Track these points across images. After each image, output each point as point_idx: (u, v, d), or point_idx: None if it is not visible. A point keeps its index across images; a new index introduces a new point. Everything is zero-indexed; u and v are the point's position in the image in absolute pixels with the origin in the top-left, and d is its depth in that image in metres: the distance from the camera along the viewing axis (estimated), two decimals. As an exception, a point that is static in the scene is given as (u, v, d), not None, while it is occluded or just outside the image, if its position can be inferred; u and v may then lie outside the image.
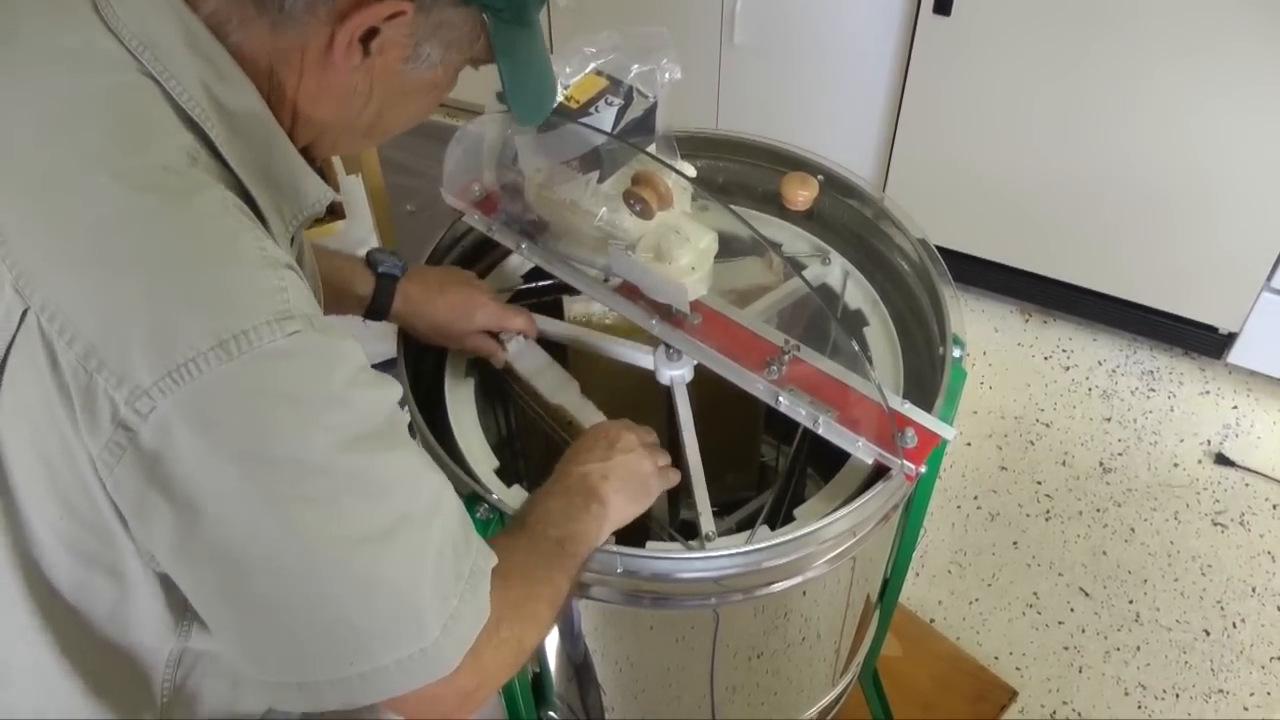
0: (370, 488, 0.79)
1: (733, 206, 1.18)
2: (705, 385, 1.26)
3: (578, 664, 1.37)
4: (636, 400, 1.41)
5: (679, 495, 1.25)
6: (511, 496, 1.18)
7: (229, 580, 0.78)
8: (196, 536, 0.76)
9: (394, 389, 0.83)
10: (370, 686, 0.82)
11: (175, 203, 0.75)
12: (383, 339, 1.61)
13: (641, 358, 1.30)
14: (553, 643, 1.35)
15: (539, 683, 1.45)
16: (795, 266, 1.36)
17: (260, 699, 1.03)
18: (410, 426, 2.01)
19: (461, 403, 1.29)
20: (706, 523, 1.16)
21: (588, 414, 1.28)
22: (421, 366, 1.33)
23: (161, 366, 0.71)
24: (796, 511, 1.16)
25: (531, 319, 1.33)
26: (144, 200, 0.74)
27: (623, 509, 1.12)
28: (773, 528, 1.13)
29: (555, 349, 1.38)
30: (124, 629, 0.88)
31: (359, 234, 1.58)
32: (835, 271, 1.39)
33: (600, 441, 1.17)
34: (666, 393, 1.28)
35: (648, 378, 1.30)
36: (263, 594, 0.78)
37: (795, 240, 1.43)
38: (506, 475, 1.22)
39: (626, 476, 1.13)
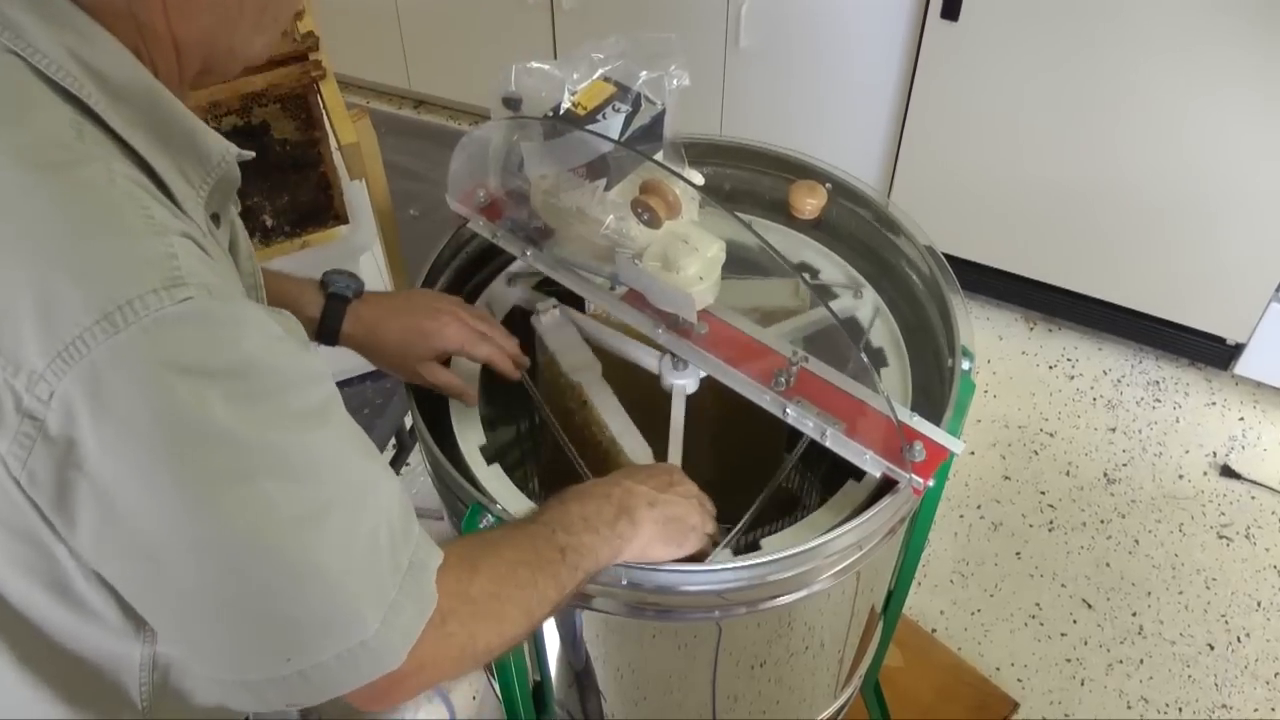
0: (289, 467, 0.75)
1: (742, 217, 1.17)
2: (726, 400, 1.25)
3: (578, 671, 1.36)
4: (646, 403, 1.40)
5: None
6: (513, 502, 1.17)
7: (153, 573, 0.75)
8: (116, 526, 0.72)
9: (315, 363, 0.79)
10: (313, 685, 0.79)
11: (57, 178, 0.71)
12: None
13: (647, 359, 1.29)
14: (554, 649, 1.34)
15: (540, 690, 1.44)
16: (822, 294, 1.35)
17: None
18: (410, 432, 2.00)
19: (465, 410, 1.28)
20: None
21: (605, 400, 1.26)
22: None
23: (51, 347, 0.68)
24: (791, 531, 1.15)
25: (498, 345, 1.26)
26: (25, 179, 0.70)
27: (652, 544, 1.06)
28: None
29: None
30: (82, 639, 0.85)
31: (362, 239, 1.57)
32: (852, 292, 1.38)
33: (663, 475, 1.12)
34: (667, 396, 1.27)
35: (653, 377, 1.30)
36: (189, 586, 0.74)
37: (807, 251, 1.42)
38: (508, 466, 1.22)
39: (673, 516, 1.08)
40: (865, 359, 1.12)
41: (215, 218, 0.87)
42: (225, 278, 0.76)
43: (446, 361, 1.27)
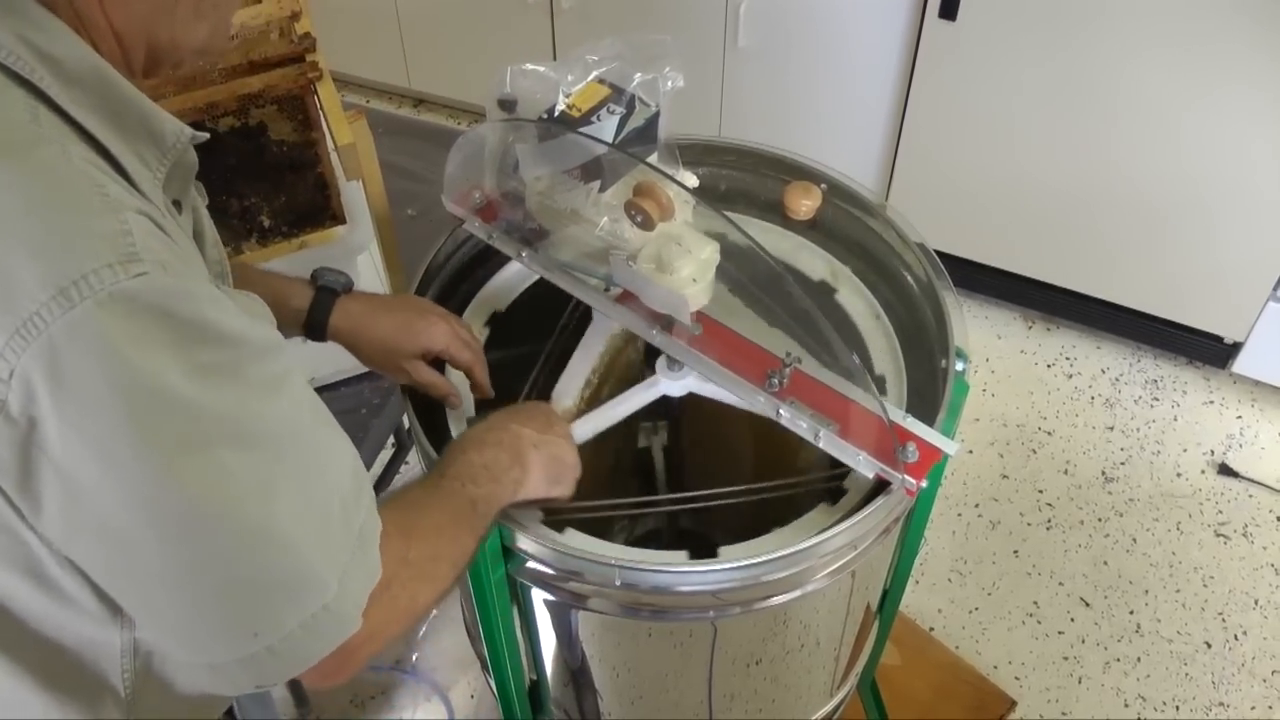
0: (246, 436, 0.76)
1: (736, 217, 1.17)
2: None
3: (574, 670, 1.36)
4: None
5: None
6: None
7: (118, 551, 0.76)
8: (80, 505, 0.73)
9: (271, 334, 0.80)
10: (281, 660, 0.80)
11: (12, 159, 0.71)
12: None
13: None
14: (550, 649, 1.34)
15: (536, 689, 1.44)
16: (803, 284, 1.35)
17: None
18: (409, 432, 2.00)
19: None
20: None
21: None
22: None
23: (9, 325, 0.68)
24: (786, 531, 1.15)
25: (481, 359, 1.28)
26: None
27: (538, 486, 1.10)
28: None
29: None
30: (60, 626, 0.85)
31: (359, 239, 1.57)
32: (848, 292, 1.38)
33: (541, 416, 1.16)
34: (665, 402, 1.27)
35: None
36: (153, 562, 0.76)
37: (802, 252, 1.42)
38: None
39: (554, 456, 1.13)
40: (857, 359, 1.13)
41: (177, 205, 0.87)
42: (185, 258, 0.77)
43: (439, 366, 1.27)
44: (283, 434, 0.79)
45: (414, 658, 2.25)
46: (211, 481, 0.74)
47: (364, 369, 1.57)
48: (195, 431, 0.73)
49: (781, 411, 1.16)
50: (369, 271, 1.68)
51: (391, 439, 2.10)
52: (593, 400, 1.28)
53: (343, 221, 1.57)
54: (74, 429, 0.70)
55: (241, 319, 0.77)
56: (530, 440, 1.11)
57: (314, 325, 1.21)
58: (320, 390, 1.58)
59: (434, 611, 2.29)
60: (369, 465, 1.61)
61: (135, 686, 0.92)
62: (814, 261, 1.42)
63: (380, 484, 2.04)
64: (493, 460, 1.06)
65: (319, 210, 1.54)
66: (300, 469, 0.79)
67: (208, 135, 0.90)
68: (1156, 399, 2.72)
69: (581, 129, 1.14)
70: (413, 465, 2.40)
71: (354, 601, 0.83)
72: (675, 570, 1.10)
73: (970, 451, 2.61)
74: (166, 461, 0.72)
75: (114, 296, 0.69)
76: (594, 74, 1.18)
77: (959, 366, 1.23)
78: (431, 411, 1.27)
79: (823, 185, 1.45)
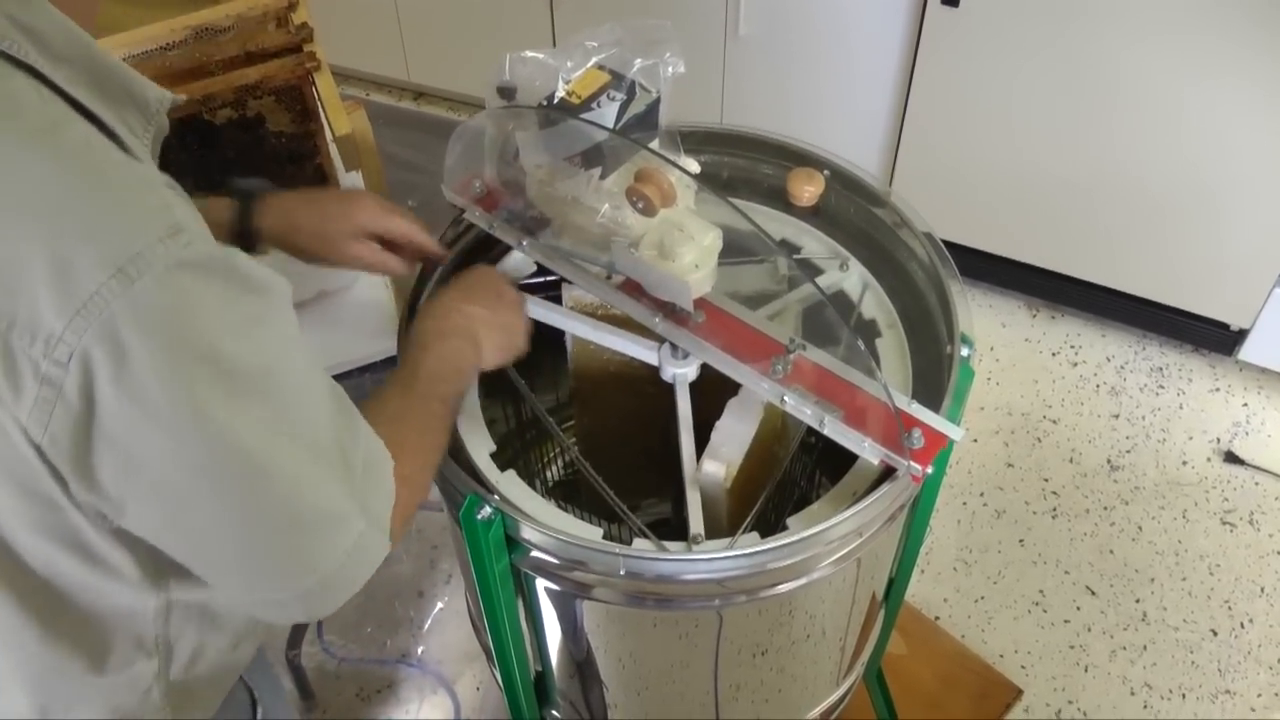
0: (280, 383, 0.80)
1: (739, 203, 1.16)
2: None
3: (580, 662, 1.36)
4: (637, 391, 1.40)
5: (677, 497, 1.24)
6: (533, 507, 1.18)
7: (179, 512, 0.79)
8: (139, 474, 0.76)
9: (285, 286, 0.83)
10: (332, 590, 0.86)
11: (41, 143, 0.72)
12: (377, 337, 1.60)
13: (645, 353, 1.29)
14: (555, 640, 1.34)
15: (541, 681, 1.44)
16: (808, 270, 1.34)
17: (250, 644, 1.08)
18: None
19: (470, 417, 1.28)
20: (696, 524, 1.14)
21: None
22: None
23: (69, 308, 0.70)
24: (792, 519, 1.15)
25: (422, 230, 1.29)
26: (11, 148, 0.72)
27: (491, 359, 1.17)
28: (764, 534, 1.12)
29: (554, 337, 1.37)
30: (100, 594, 0.89)
31: (360, 229, 1.57)
32: (853, 277, 1.37)
33: (490, 289, 1.21)
34: (670, 390, 1.27)
35: (649, 371, 1.29)
36: (215, 517, 0.80)
37: (805, 238, 1.42)
38: (505, 460, 1.22)
39: (504, 327, 1.18)
40: (861, 345, 1.12)
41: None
42: (200, 220, 0.80)
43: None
44: (304, 378, 0.83)
45: (419, 651, 2.25)
46: (260, 431, 0.78)
47: (366, 360, 1.57)
48: (244, 386, 0.77)
49: (786, 398, 1.16)
50: (370, 263, 1.67)
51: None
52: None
53: (343, 212, 1.56)
54: (134, 402, 0.73)
55: (265, 272, 0.80)
56: (482, 319, 1.16)
57: (244, 234, 1.21)
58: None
59: (439, 605, 2.30)
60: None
61: (163, 653, 0.97)
62: (817, 248, 1.41)
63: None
64: (455, 352, 1.12)
65: (319, 202, 1.53)
66: (317, 408, 0.84)
67: (184, 98, 0.91)
68: (1162, 387, 2.71)
69: (582, 115, 1.13)
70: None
71: (382, 526, 0.89)
72: (680, 559, 1.09)
73: (975, 440, 2.60)
74: (223, 419, 0.76)
75: (170, 269, 0.72)
76: (593, 60, 1.17)
77: (964, 352, 1.22)
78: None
79: (825, 172, 1.44)
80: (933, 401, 1.17)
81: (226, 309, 0.76)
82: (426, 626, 2.28)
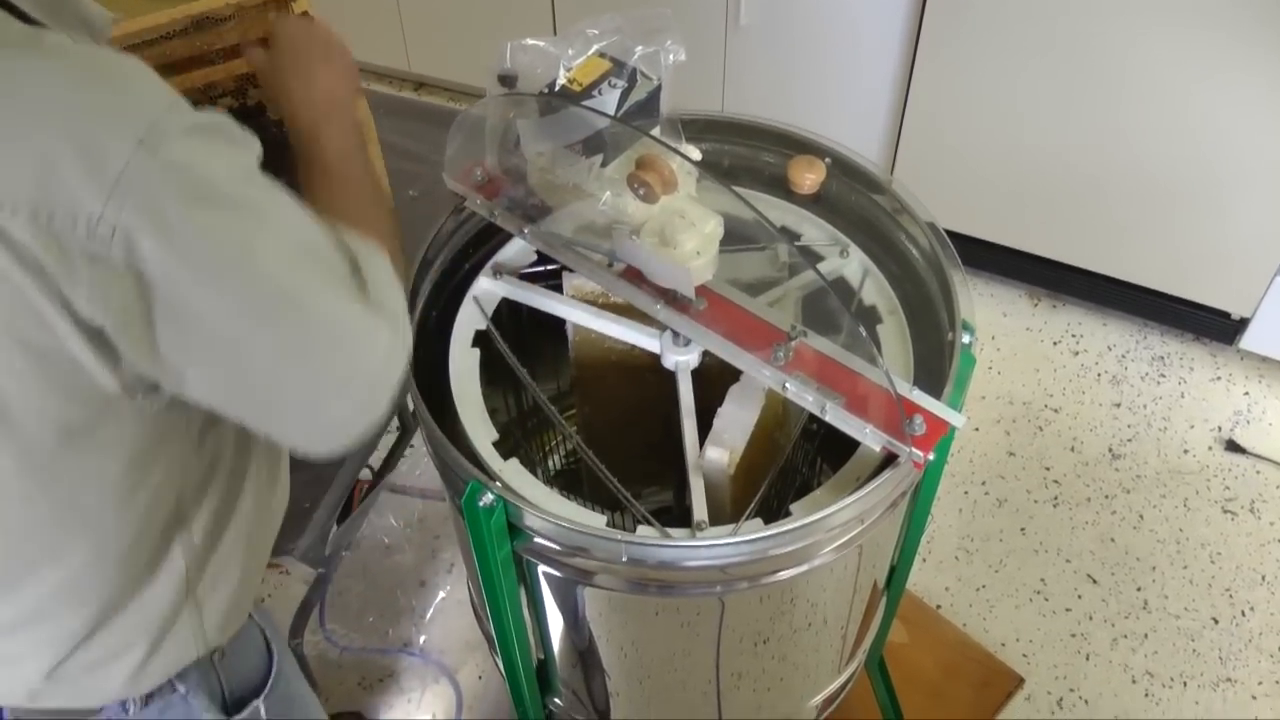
0: (281, 218, 0.86)
1: (740, 191, 1.16)
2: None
3: (582, 650, 1.36)
4: (639, 379, 1.40)
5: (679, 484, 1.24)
6: (514, 478, 1.18)
7: (234, 360, 0.85)
8: (193, 333, 0.82)
9: (255, 139, 0.88)
10: (379, 389, 0.91)
11: (29, 51, 0.78)
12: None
13: (647, 341, 1.29)
14: (557, 629, 1.34)
15: (544, 669, 1.44)
16: (809, 257, 1.34)
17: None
18: (412, 415, 2.00)
19: (465, 375, 1.28)
20: (699, 511, 1.14)
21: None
22: (425, 352, 1.32)
23: (104, 187, 0.75)
24: (794, 506, 1.15)
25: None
26: (6, 58, 0.77)
27: (355, 98, 1.20)
28: (767, 520, 1.12)
29: (555, 325, 1.38)
30: (147, 471, 0.94)
31: (362, 218, 1.56)
32: (854, 264, 1.37)
33: (321, 42, 1.20)
34: (671, 378, 1.27)
35: (651, 359, 1.29)
36: (270, 355, 0.86)
37: (806, 226, 1.42)
38: (507, 449, 1.22)
39: (344, 69, 1.19)
40: (863, 330, 1.12)
41: None
42: None
43: None
44: (298, 213, 0.89)
45: (421, 640, 2.25)
46: (285, 264, 0.84)
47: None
48: (263, 227, 0.84)
49: (787, 385, 1.16)
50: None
51: (395, 421, 2.09)
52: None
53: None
54: (181, 262, 0.78)
55: (238, 124, 0.86)
56: (333, 77, 1.17)
57: None
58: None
59: (441, 594, 2.30)
60: (372, 448, 1.61)
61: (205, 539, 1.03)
62: (818, 235, 1.41)
63: (384, 470, 2.04)
64: (340, 125, 1.14)
65: (320, 191, 1.53)
66: (317, 234, 0.90)
67: (121, 16, 0.96)
68: (1163, 375, 2.71)
69: (583, 103, 1.13)
70: (417, 448, 2.40)
71: (400, 312, 0.95)
72: (683, 545, 1.10)
73: (976, 429, 2.60)
74: (256, 259, 0.82)
75: (181, 134, 0.78)
76: (594, 48, 1.18)
77: (965, 339, 1.22)
78: (439, 392, 1.27)
79: (826, 159, 1.44)
80: (934, 389, 1.17)
81: (231, 163, 0.83)
82: (429, 616, 2.29)
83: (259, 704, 1.19)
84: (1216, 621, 2.25)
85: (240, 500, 1.06)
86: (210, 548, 1.04)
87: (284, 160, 1.46)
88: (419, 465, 2.50)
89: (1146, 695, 2.14)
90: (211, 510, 1.03)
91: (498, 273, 1.37)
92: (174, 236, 0.77)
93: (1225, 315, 2.65)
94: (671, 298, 1.22)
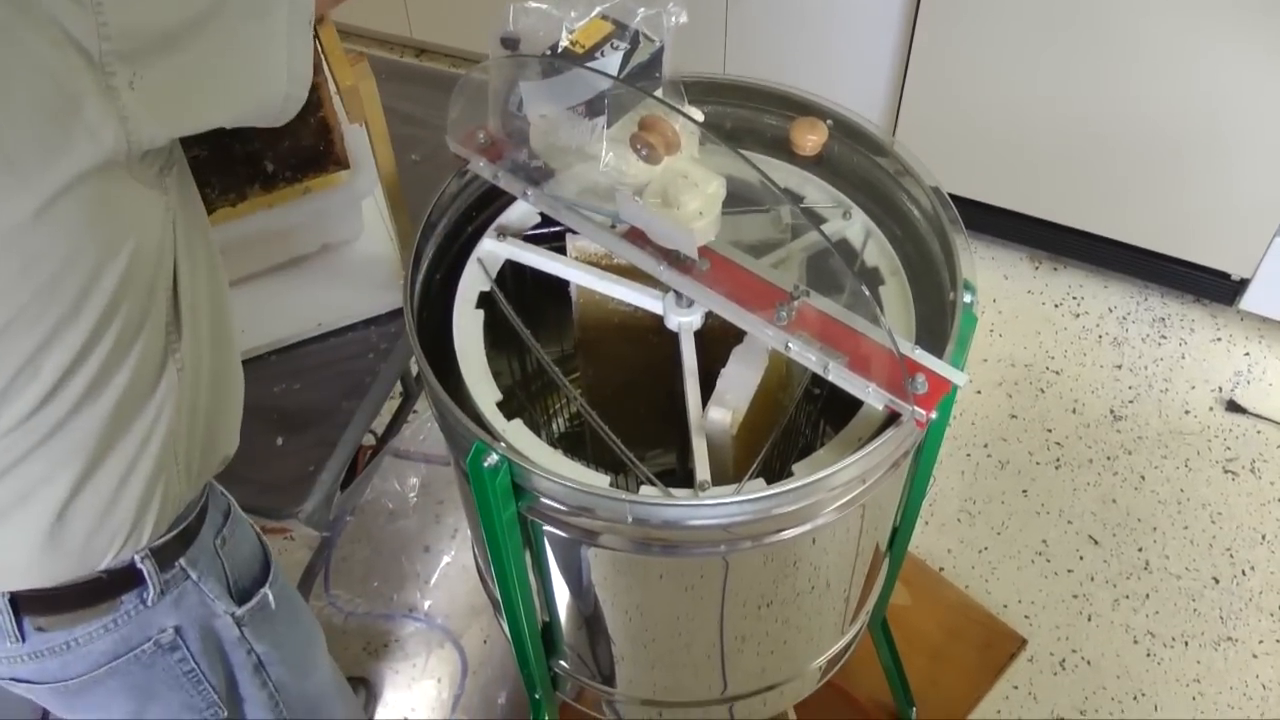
0: None
1: (744, 152, 1.16)
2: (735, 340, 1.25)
3: (587, 614, 1.37)
4: (642, 341, 1.40)
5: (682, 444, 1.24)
6: (518, 438, 1.18)
7: (192, 62, 0.92)
8: (156, 26, 0.88)
9: None
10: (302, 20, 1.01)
11: None
12: (380, 290, 1.60)
13: (650, 302, 1.29)
14: (562, 591, 1.35)
15: (549, 632, 1.45)
16: (812, 218, 1.34)
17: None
18: (416, 379, 2.01)
19: (469, 336, 1.28)
20: (702, 471, 1.15)
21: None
22: (429, 315, 1.32)
23: None
24: (796, 466, 1.15)
25: None
26: None
27: None
28: (769, 481, 1.12)
29: (558, 287, 1.38)
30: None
31: (364, 184, 1.57)
32: (856, 226, 1.37)
33: None
34: (674, 339, 1.27)
35: (654, 321, 1.29)
36: (221, 44, 0.94)
37: (808, 187, 1.42)
38: (510, 412, 1.22)
39: None
40: (866, 290, 1.12)
41: None
42: None
43: None
44: None
45: (426, 605, 2.26)
46: None
47: (369, 314, 1.57)
48: None
49: (790, 345, 1.16)
50: (374, 216, 1.67)
51: (399, 387, 2.10)
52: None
53: (347, 166, 1.56)
54: None
55: None
56: None
57: None
58: (326, 336, 1.59)
59: (445, 559, 2.31)
60: (376, 412, 1.60)
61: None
62: (820, 197, 1.41)
63: (388, 435, 2.04)
64: None
65: (322, 155, 1.53)
66: None
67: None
68: (1164, 337, 2.72)
69: (585, 65, 1.13)
70: (421, 414, 2.41)
71: None
72: (687, 504, 1.10)
73: (978, 392, 2.61)
74: None
75: None
76: (597, 10, 1.17)
77: (966, 299, 1.22)
78: (443, 355, 1.27)
79: (828, 121, 1.43)
80: (936, 349, 1.17)
81: None
82: (433, 581, 2.30)
83: (266, 591, 1.23)
84: (1217, 581, 2.26)
85: (196, 271, 1.08)
86: (175, 330, 1.06)
87: (288, 122, 1.47)
88: (422, 431, 2.51)
89: (1148, 655, 2.16)
90: (174, 287, 1.04)
91: (501, 235, 1.37)
92: None
93: (1225, 276, 2.65)
94: (674, 259, 1.22)
